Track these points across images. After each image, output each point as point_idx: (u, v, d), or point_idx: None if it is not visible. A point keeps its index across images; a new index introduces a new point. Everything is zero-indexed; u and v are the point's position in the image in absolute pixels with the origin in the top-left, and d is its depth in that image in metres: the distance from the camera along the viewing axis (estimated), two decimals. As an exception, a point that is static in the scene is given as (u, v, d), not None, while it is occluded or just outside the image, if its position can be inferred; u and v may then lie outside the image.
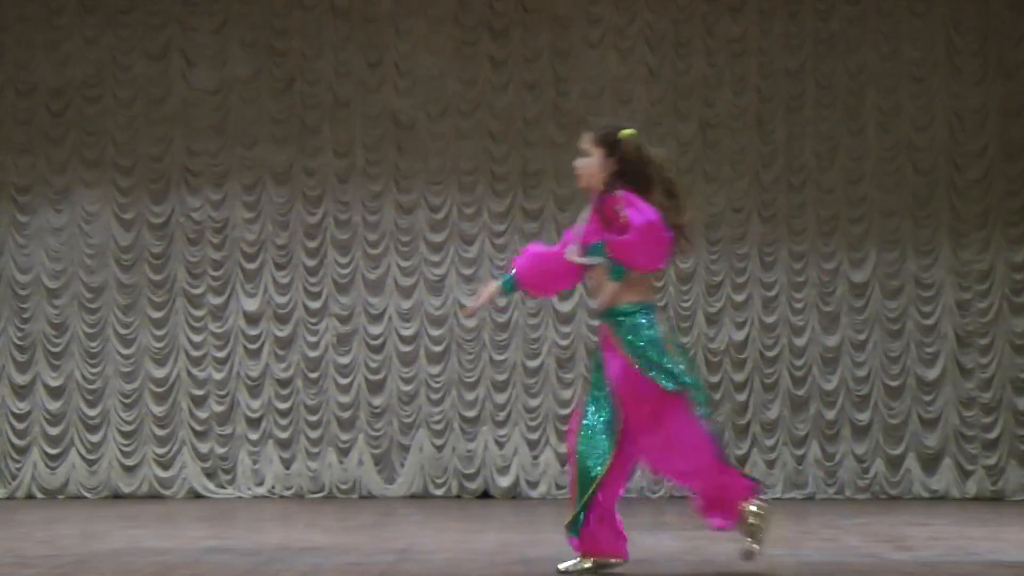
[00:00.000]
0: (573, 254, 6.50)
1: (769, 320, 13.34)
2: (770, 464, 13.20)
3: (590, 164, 6.63)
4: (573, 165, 6.68)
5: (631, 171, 6.50)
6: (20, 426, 12.97)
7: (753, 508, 6.42)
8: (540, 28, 13.39)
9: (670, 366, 6.21)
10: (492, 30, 13.39)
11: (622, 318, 6.28)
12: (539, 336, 13.22)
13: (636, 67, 13.41)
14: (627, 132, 6.68)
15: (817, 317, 13.37)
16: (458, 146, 13.31)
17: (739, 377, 13.26)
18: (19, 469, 12.92)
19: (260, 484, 12.97)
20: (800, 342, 13.33)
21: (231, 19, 13.26)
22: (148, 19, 13.23)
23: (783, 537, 6.88)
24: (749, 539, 6.40)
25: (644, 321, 6.28)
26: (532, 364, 13.18)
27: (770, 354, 13.32)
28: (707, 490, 6.43)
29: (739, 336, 13.31)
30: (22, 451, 12.95)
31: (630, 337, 6.25)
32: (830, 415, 13.27)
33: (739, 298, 13.35)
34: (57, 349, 13.05)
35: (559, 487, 12.99)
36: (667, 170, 6.60)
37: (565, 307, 13.24)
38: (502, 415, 13.12)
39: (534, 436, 13.11)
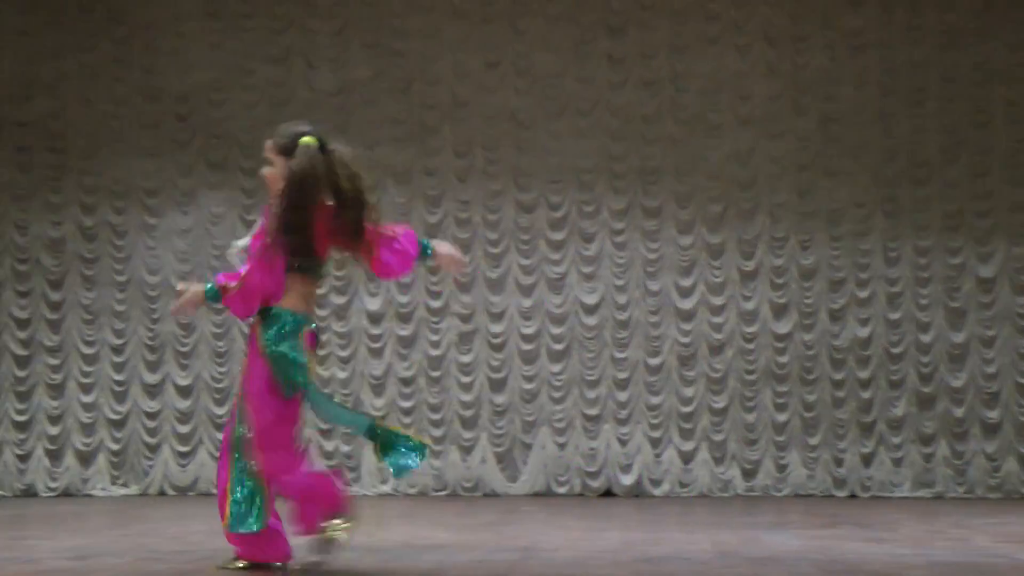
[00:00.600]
0: (232, 258, 6.45)
1: (894, 316, 13.17)
2: (897, 463, 13.02)
3: (273, 173, 6.52)
4: (260, 175, 6.57)
5: (308, 179, 6.40)
6: (152, 424, 13.21)
7: (337, 522, 6.51)
8: (658, 25, 13.34)
9: (297, 378, 6.38)
10: (610, 28, 13.36)
11: (270, 323, 6.30)
12: (660, 334, 13.17)
13: (754, 62, 13.30)
14: (306, 139, 6.61)
15: (943, 313, 13.16)
16: (577, 144, 13.31)
17: (864, 374, 13.09)
18: (151, 466, 13.16)
19: (384, 482, 13.08)
20: (926, 339, 13.14)
21: (351, 22, 13.39)
22: (270, 23, 13.40)
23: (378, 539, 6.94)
24: (325, 548, 6.48)
25: (289, 330, 6.31)
26: (654, 362, 13.14)
27: (896, 351, 13.14)
28: (295, 495, 6.47)
29: (863, 333, 13.15)
30: (154, 449, 13.18)
31: (271, 344, 6.31)
32: (959, 413, 13.05)
33: (863, 294, 13.19)
34: (186, 349, 13.28)
35: (683, 485, 12.94)
36: (350, 176, 6.57)
37: (687, 304, 13.17)
38: (624, 413, 13.10)
39: (656, 434, 13.07)
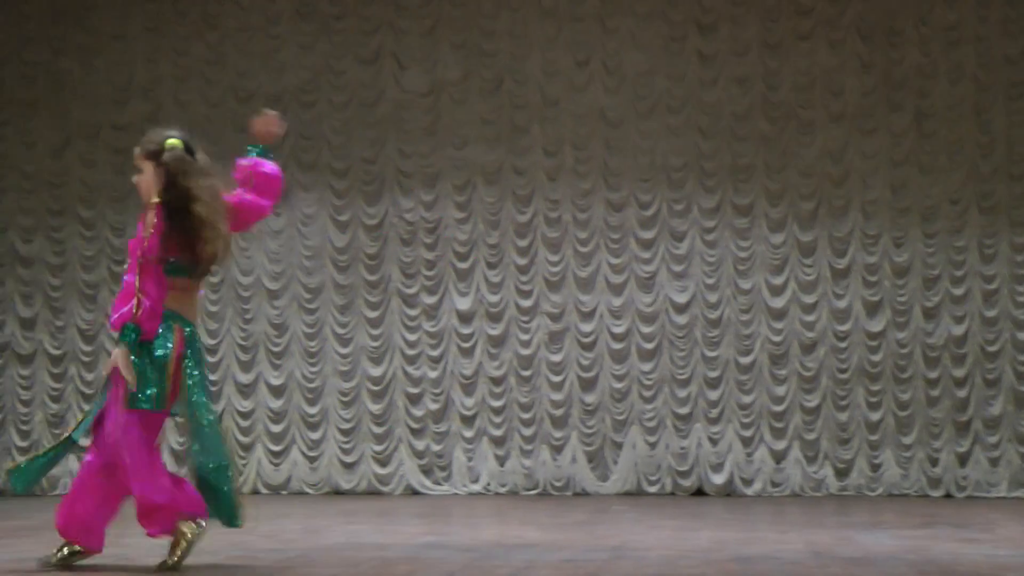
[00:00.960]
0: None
1: (990, 314, 12.98)
2: (993, 462, 12.83)
3: (143, 180, 6.46)
4: (133, 182, 6.52)
5: (176, 183, 6.38)
6: (245, 424, 13.35)
7: (186, 528, 6.36)
8: (749, 21, 13.25)
9: (150, 389, 6.37)
10: (700, 25, 13.29)
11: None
12: (752, 332, 13.09)
13: (847, 58, 13.17)
14: (172, 141, 6.53)
15: (1041, 311, 12.97)
16: (667, 142, 13.26)
17: (959, 373, 12.92)
18: (244, 465, 13.29)
19: (475, 481, 13.11)
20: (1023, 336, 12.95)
21: (441, 22, 13.43)
22: (360, 24, 13.49)
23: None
24: (172, 553, 6.36)
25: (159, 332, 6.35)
26: (745, 360, 13.05)
27: (992, 349, 12.95)
28: (144, 498, 6.35)
29: (958, 331, 12.97)
30: (247, 448, 13.32)
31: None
32: (1058, 411, 12.85)
33: (958, 292, 13.02)
34: (278, 349, 13.39)
35: (774, 484, 12.85)
36: (203, 188, 6.44)
37: (778, 302, 13.08)
38: (715, 412, 13.03)
39: (748, 433, 12.99)
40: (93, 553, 6.56)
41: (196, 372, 6.59)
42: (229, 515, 6.47)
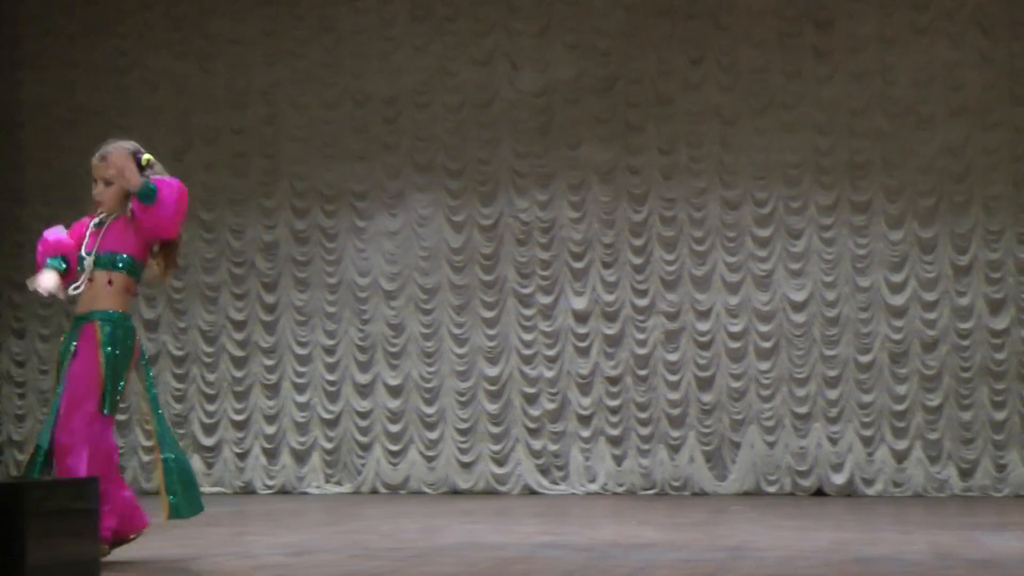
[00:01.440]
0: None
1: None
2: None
3: (114, 190, 6.90)
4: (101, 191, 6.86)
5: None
6: (363, 424, 13.47)
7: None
8: (866, 16, 13.09)
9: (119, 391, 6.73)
10: (816, 21, 13.16)
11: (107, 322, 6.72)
12: (871, 330, 12.93)
13: (967, 52, 12.95)
14: (148, 156, 7.03)
15: None
16: (783, 140, 13.15)
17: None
18: (363, 465, 13.41)
19: (592, 481, 13.10)
20: None
21: (554, 22, 13.44)
22: (474, 26, 13.55)
23: None
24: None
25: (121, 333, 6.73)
26: (864, 359, 12.90)
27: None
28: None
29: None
30: (366, 448, 13.43)
31: (108, 346, 6.70)
32: None
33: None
34: (395, 349, 13.49)
35: (896, 484, 12.68)
36: None
37: (898, 300, 12.91)
38: (835, 411, 12.89)
39: (868, 432, 12.83)
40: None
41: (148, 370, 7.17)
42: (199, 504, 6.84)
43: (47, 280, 6.71)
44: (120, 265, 6.81)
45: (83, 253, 6.83)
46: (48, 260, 6.82)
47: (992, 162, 12.90)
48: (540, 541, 7.88)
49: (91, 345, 6.71)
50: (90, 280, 6.78)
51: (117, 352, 6.76)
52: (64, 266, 6.78)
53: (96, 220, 6.90)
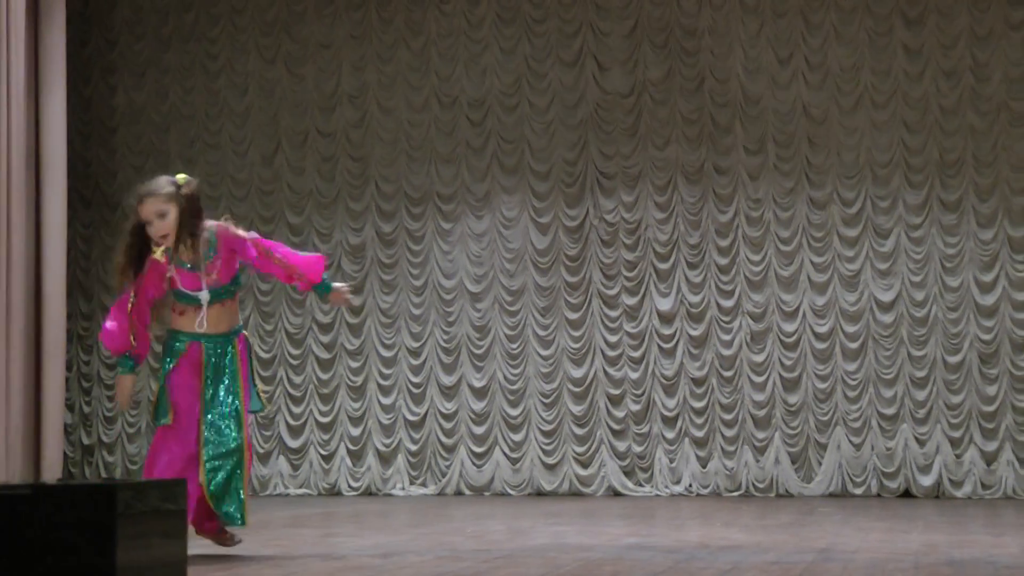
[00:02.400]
0: None
1: None
2: None
3: (170, 221, 7.09)
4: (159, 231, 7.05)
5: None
6: (448, 425, 13.52)
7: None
8: (957, 12, 12.94)
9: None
10: (906, 18, 13.03)
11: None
12: (960, 331, 12.78)
13: (1061, 47, 12.78)
14: (182, 176, 7.33)
15: None
16: (872, 138, 13.03)
17: None
18: (448, 467, 13.46)
19: (677, 482, 13.06)
20: None
21: (641, 22, 13.42)
22: (562, 27, 13.56)
23: None
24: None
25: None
26: (953, 360, 12.75)
27: None
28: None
29: None
30: (450, 449, 13.48)
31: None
32: None
33: None
34: (480, 351, 13.53)
35: (985, 487, 12.52)
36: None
37: (988, 300, 12.75)
38: (922, 412, 12.75)
39: (957, 434, 12.68)
40: None
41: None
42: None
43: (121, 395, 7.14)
44: (233, 290, 7.28)
45: (191, 293, 7.07)
46: (119, 366, 7.14)
47: (1086, 159, 12.70)
48: (627, 543, 7.87)
49: (245, 358, 7.29)
50: (211, 307, 7.11)
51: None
52: (132, 364, 7.08)
53: (165, 254, 7.04)
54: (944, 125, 12.93)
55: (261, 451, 13.71)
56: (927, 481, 12.66)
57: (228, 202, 14.01)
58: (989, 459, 12.61)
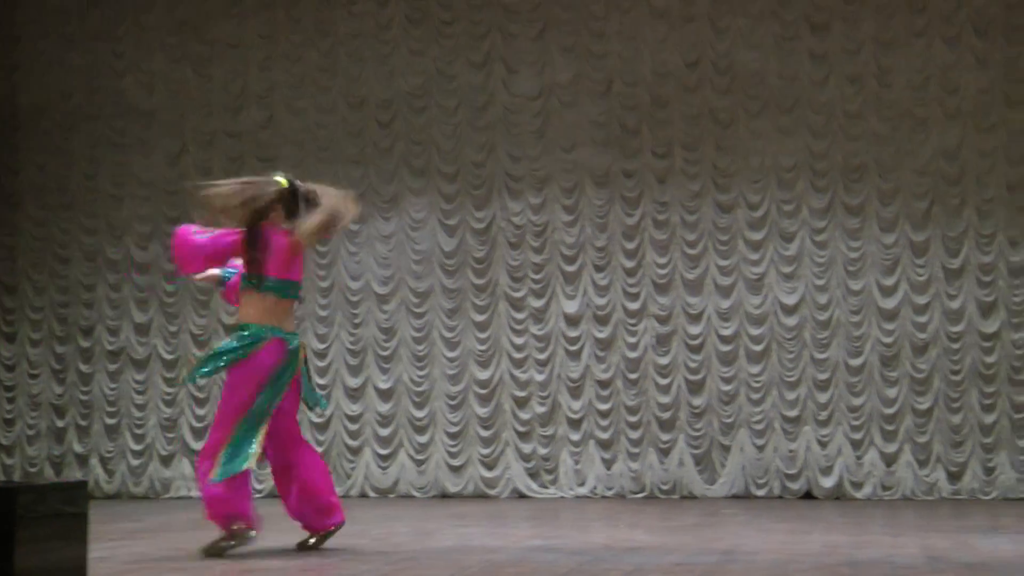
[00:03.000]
0: None
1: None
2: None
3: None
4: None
5: None
6: (353, 427, 13.45)
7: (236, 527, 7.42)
8: (862, 19, 13.09)
9: None
10: (812, 24, 13.17)
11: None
12: (862, 334, 12.93)
13: (963, 55, 12.96)
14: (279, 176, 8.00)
15: None
16: (778, 143, 13.15)
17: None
18: (353, 469, 13.40)
19: (582, 484, 13.10)
20: None
21: (550, 25, 13.45)
22: (471, 29, 13.55)
23: None
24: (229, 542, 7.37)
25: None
26: (855, 362, 12.90)
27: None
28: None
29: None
30: (355, 451, 13.42)
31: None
32: None
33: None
34: (386, 353, 13.49)
35: (885, 488, 12.68)
36: None
37: (889, 303, 12.91)
38: (825, 414, 12.89)
39: (858, 436, 12.83)
40: None
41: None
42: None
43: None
44: None
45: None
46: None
47: (987, 165, 12.91)
48: (532, 545, 7.88)
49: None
50: None
51: None
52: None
53: None
54: (848, 130, 13.08)
55: (164, 453, 13.58)
56: (828, 483, 12.79)
57: (133, 203, 13.86)
58: (889, 461, 12.77)
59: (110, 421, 13.77)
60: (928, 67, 12.99)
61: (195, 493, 13.42)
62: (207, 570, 6.48)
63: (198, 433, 13.57)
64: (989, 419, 12.68)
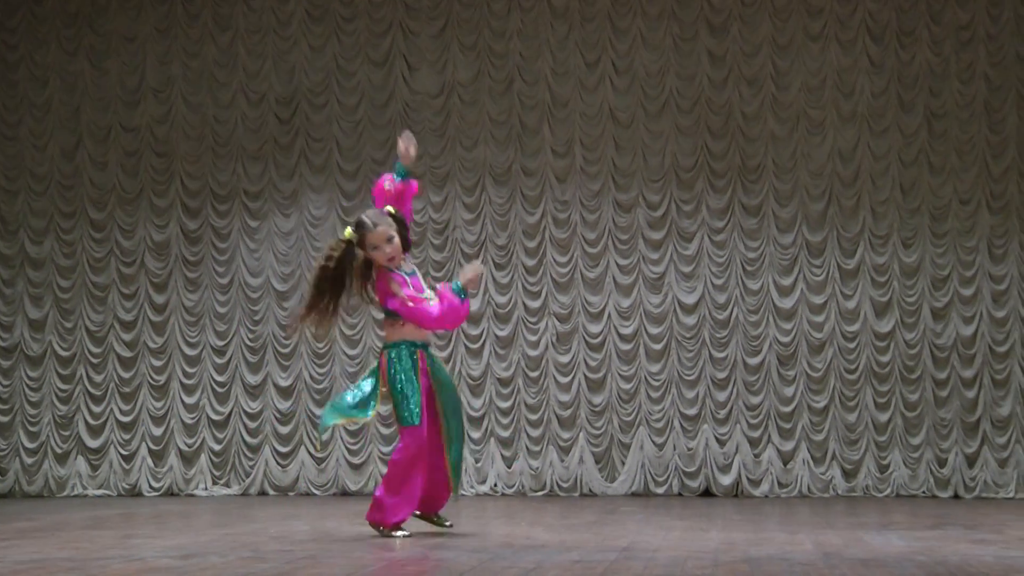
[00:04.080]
0: None
1: (999, 314, 12.97)
2: (1002, 463, 12.83)
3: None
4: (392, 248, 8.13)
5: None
6: (252, 425, 13.37)
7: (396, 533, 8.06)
8: (759, 22, 13.25)
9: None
10: (710, 25, 13.30)
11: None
12: (760, 333, 13.08)
13: (858, 58, 13.17)
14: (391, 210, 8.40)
15: (1050, 311, 12.96)
16: (677, 143, 13.26)
17: (968, 373, 12.91)
18: (252, 466, 13.31)
19: (483, 482, 13.12)
20: (1033, 337, 12.94)
21: (451, 23, 13.45)
22: (371, 26, 13.51)
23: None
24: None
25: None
26: (753, 361, 13.05)
27: (1000, 349, 12.94)
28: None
29: (967, 331, 12.96)
30: (255, 449, 13.33)
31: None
32: (1066, 412, 12.85)
33: (967, 292, 13.01)
34: (286, 350, 13.41)
35: (782, 485, 12.85)
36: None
37: (786, 303, 13.08)
38: (723, 413, 13.02)
39: (755, 434, 12.98)
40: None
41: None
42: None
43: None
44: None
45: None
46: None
47: (881, 167, 13.11)
48: (431, 542, 7.86)
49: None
50: None
51: None
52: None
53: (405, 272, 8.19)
54: (746, 131, 13.23)
55: (59, 451, 13.39)
56: (726, 480, 12.93)
57: (27, 197, 13.65)
58: (786, 458, 12.93)
59: (3, 419, 13.56)
60: (824, 70, 13.18)
61: (91, 491, 13.27)
62: (102, 570, 6.39)
63: (94, 431, 13.42)
64: (883, 417, 12.89)
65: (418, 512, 8.22)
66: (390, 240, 8.07)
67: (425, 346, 8.11)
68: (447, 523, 8.42)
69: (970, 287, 13.00)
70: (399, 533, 7.99)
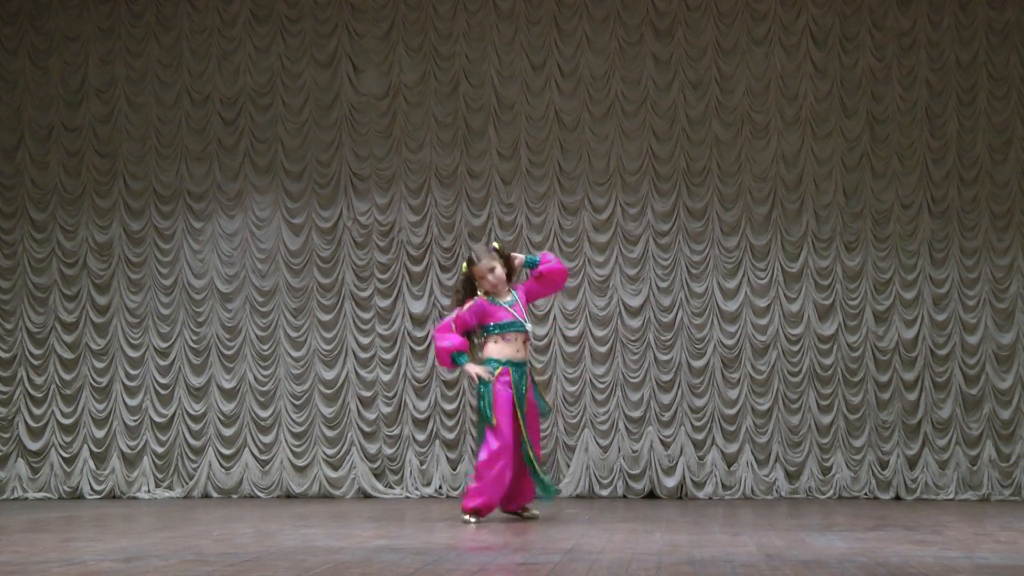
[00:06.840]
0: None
1: (940, 318, 13.09)
2: (942, 464, 12.95)
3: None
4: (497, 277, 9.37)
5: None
6: (196, 427, 13.29)
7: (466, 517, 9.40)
8: (704, 26, 13.32)
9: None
10: (656, 29, 13.35)
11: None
12: (704, 336, 13.15)
13: (802, 63, 13.26)
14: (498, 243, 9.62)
15: (990, 314, 13.08)
16: (622, 146, 13.31)
17: (909, 376, 13.03)
18: (195, 469, 13.24)
19: (428, 484, 13.10)
20: (972, 340, 13.06)
21: (397, 25, 13.44)
22: (317, 27, 13.47)
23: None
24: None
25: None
26: (697, 364, 13.11)
27: (941, 352, 13.06)
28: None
29: (909, 334, 13.08)
30: (198, 451, 13.26)
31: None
32: (1005, 415, 12.97)
33: (909, 295, 13.12)
34: (230, 352, 13.35)
35: (726, 487, 12.91)
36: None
37: (731, 306, 13.14)
38: (667, 415, 13.07)
39: (700, 436, 13.04)
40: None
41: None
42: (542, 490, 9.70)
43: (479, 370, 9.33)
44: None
45: (523, 321, 9.42)
46: (461, 359, 9.38)
47: (824, 171, 13.21)
48: (376, 545, 7.84)
49: (531, 384, 9.49)
50: (526, 339, 9.46)
51: None
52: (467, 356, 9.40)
53: (502, 300, 9.42)
54: (691, 135, 13.29)
55: (-1, 454, 13.29)
56: (671, 482, 12.97)
57: (-33, 196, 13.51)
58: (730, 461, 12.99)
59: (-57, 421, 13.42)
60: (768, 74, 13.26)
61: (31, 494, 13.15)
62: (43, 574, 6.34)
63: (35, 433, 13.30)
64: (826, 419, 12.98)
65: (505, 509, 9.66)
66: (492, 270, 9.33)
67: (511, 363, 9.31)
68: (534, 512, 9.80)
69: (911, 290, 13.12)
70: (468, 518, 9.30)
